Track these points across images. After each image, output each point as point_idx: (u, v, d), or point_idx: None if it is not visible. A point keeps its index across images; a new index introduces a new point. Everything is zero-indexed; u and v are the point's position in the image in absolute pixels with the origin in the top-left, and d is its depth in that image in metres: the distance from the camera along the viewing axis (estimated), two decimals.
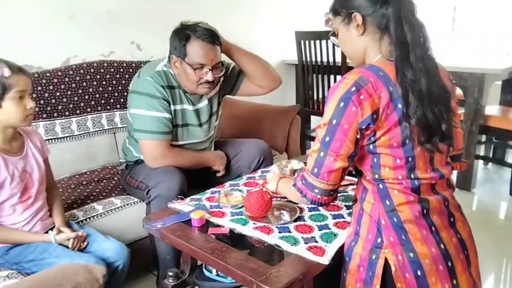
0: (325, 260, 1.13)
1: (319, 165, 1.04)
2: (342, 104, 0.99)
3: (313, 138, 3.58)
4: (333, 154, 1.02)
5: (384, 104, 0.98)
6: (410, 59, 0.99)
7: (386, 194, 1.05)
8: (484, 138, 3.16)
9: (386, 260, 1.03)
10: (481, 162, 3.33)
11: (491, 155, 3.42)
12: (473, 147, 2.95)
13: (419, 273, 1.02)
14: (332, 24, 1.16)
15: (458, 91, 3.00)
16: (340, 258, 1.16)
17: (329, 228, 1.29)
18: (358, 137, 1.00)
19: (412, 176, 1.03)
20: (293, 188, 1.14)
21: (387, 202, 1.05)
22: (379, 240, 1.05)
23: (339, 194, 1.52)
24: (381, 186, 1.05)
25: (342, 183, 1.58)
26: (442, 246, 1.03)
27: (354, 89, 0.98)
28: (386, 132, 1.00)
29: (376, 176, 1.05)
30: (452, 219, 1.08)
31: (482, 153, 3.29)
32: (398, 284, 1.03)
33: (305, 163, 1.85)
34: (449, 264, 1.04)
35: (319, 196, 1.08)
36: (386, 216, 1.04)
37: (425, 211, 1.04)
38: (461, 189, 3.02)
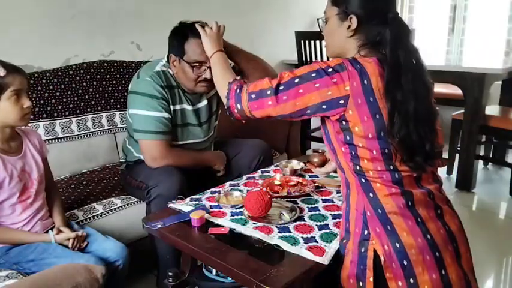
0: (325, 260, 1.13)
1: (259, 95, 1.13)
2: (313, 74, 1.06)
3: (313, 138, 3.59)
4: (274, 100, 1.10)
5: (355, 93, 1.02)
6: (401, 81, 1.03)
7: (368, 187, 1.07)
8: (484, 138, 3.16)
9: (375, 251, 1.05)
10: (481, 162, 3.33)
11: (491, 155, 3.42)
12: (473, 147, 2.95)
13: (405, 263, 1.03)
14: (326, 9, 1.18)
15: (458, 90, 3.00)
16: (340, 258, 1.16)
17: (329, 228, 1.29)
18: (308, 112, 1.08)
19: (391, 167, 1.05)
20: (227, 81, 1.23)
21: (371, 195, 1.07)
22: (365, 232, 1.07)
23: (338, 194, 1.53)
24: (363, 180, 1.08)
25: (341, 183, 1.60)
26: (428, 236, 1.05)
27: (330, 70, 1.04)
28: (359, 123, 1.03)
29: (358, 168, 1.08)
30: (439, 211, 1.09)
31: (482, 153, 3.29)
32: (387, 273, 1.04)
33: (305, 163, 1.86)
34: (437, 254, 1.04)
35: (236, 111, 1.19)
36: (371, 208, 1.07)
37: (409, 203, 1.06)
38: (461, 189, 3.02)
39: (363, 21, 1.09)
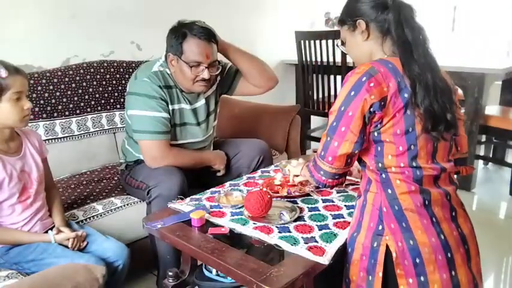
0: (325, 260, 1.13)
1: (326, 149, 1.12)
2: (352, 93, 1.06)
3: (313, 138, 3.59)
4: (337, 139, 1.09)
5: (392, 92, 1.04)
6: (414, 56, 1.07)
7: (388, 183, 1.09)
8: (484, 138, 3.16)
9: (387, 247, 1.06)
10: (481, 162, 3.33)
11: (491, 155, 3.42)
12: (473, 147, 2.95)
13: (417, 260, 1.04)
14: (341, 34, 1.25)
15: (458, 91, 3.00)
16: (340, 258, 1.16)
17: (329, 228, 1.29)
18: (366, 121, 1.06)
19: (414, 164, 1.07)
20: (306, 168, 1.24)
21: (389, 191, 1.08)
22: (380, 227, 1.08)
23: (338, 194, 1.53)
24: (383, 175, 1.09)
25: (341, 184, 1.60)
26: (442, 237, 1.06)
27: (364, 78, 1.05)
28: (391, 119, 1.05)
29: (380, 165, 1.09)
30: (454, 214, 1.11)
31: (482, 153, 3.29)
32: (398, 270, 1.06)
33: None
34: (449, 255, 1.06)
35: (323, 178, 1.16)
36: (388, 204, 1.08)
37: (426, 202, 1.07)
38: (461, 189, 2.99)
39: (370, 20, 1.13)
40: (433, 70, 1.08)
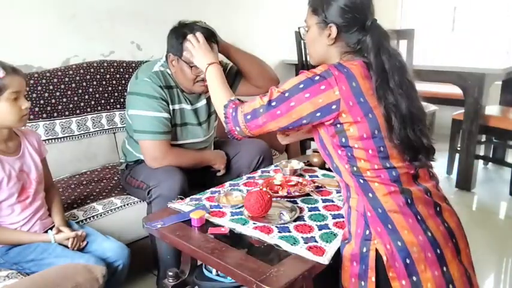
0: (325, 260, 1.13)
1: (253, 116, 1.17)
2: (301, 86, 1.08)
3: (313, 138, 3.58)
4: (268, 117, 1.13)
5: (345, 95, 1.05)
6: (390, 85, 1.06)
7: (367, 187, 1.08)
8: (484, 138, 3.16)
9: (377, 251, 1.06)
10: (481, 162, 3.33)
11: (491, 155, 3.42)
12: (473, 147, 2.95)
13: (408, 261, 1.04)
14: (306, 18, 1.22)
15: (458, 90, 3.00)
16: (340, 258, 1.16)
17: (329, 228, 1.29)
18: (304, 121, 1.10)
19: (388, 165, 1.07)
20: (222, 104, 1.26)
21: (370, 195, 1.08)
22: (367, 232, 1.08)
23: (338, 194, 1.53)
24: (361, 181, 1.09)
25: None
26: (429, 234, 1.05)
27: (317, 78, 1.07)
28: (353, 124, 1.06)
29: (355, 169, 1.09)
30: (438, 209, 1.10)
31: (482, 153, 3.29)
32: (390, 273, 1.05)
33: (305, 163, 1.85)
34: (438, 251, 1.05)
35: (236, 133, 1.22)
36: (371, 208, 1.08)
37: (409, 201, 1.07)
38: (461, 189, 3.02)
39: (342, 30, 1.12)
40: (409, 99, 1.07)
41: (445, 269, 1.05)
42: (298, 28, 1.29)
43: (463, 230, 1.14)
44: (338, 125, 1.08)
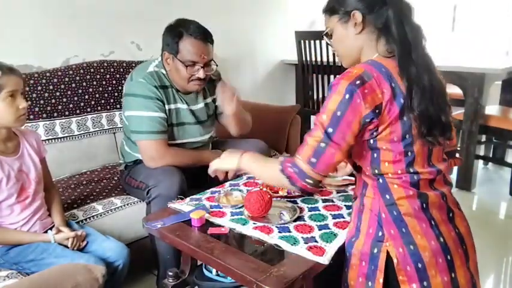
0: (325, 259, 1.13)
1: (318, 156, 1.03)
2: (347, 96, 0.99)
3: None
4: (335, 146, 1.01)
5: (387, 99, 1.00)
6: (412, 57, 1.03)
7: (386, 188, 1.06)
8: (484, 138, 3.16)
9: (388, 253, 1.05)
10: (481, 162, 3.33)
11: (491, 155, 3.42)
12: (473, 147, 2.95)
13: (419, 265, 1.03)
14: (326, 24, 1.17)
15: (458, 90, 3.00)
16: (340, 258, 1.16)
17: (329, 228, 1.29)
18: (361, 128, 1.02)
19: (411, 170, 1.05)
20: (278, 172, 1.09)
21: (387, 196, 1.06)
22: (380, 233, 1.06)
23: (338, 194, 1.53)
24: (380, 180, 1.07)
25: (341, 184, 1.60)
26: (441, 239, 1.05)
27: (358, 82, 0.99)
28: (387, 127, 1.02)
29: (376, 171, 1.07)
30: (451, 215, 1.10)
31: (482, 153, 3.29)
32: (400, 276, 1.04)
33: None
34: (449, 257, 1.05)
35: (310, 186, 1.07)
36: (387, 210, 1.06)
37: (424, 205, 1.06)
38: (461, 189, 3.01)
39: (366, 12, 1.07)
40: (430, 71, 1.05)
41: (453, 275, 1.05)
42: (322, 36, 1.21)
43: (471, 237, 1.14)
44: (375, 130, 1.03)
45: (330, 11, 1.14)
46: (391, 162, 1.04)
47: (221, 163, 1.36)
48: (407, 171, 1.05)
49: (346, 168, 1.47)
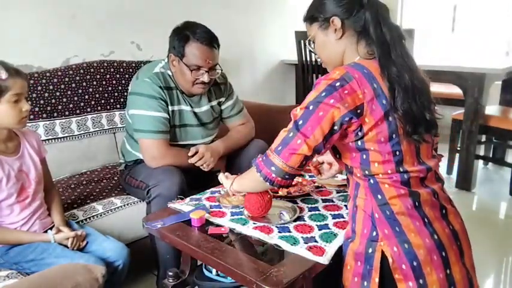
0: (325, 259, 1.13)
1: (284, 144, 1.07)
2: (323, 94, 1.03)
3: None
4: (301, 137, 1.04)
5: (368, 99, 1.02)
6: (392, 57, 1.05)
7: (377, 188, 1.07)
8: (484, 138, 3.16)
9: (383, 252, 1.05)
10: (481, 162, 3.33)
11: (491, 155, 3.42)
12: (473, 147, 2.95)
13: (415, 263, 1.04)
14: (308, 32, 1.20)
15: (458, 90, 3.00)
16: (340, 258, 1.16)
17: (329, 228, 1.29)
18: (336, 128, 1.03)
19: (401, 170, 1.06)
20: (254, 169, 1.15)
21: (379, 196, 1.07)
22: (374, 233, 1.07)
23: (338, 194, 1.53)
24: (371, 181, 1.08)
25: (341, 184, 1.60)
26: (435, 237, 1.05)
27: (338, 83, 1.02)
28: (373, 128, 1.03)
29: (366, 172, 1.08)
30: (444, 211, 1.10)
31: (482, 153, 3.29)
32: (396, 275, 1.05)
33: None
34: (443, 254, 1.05)
35: (274, 175, 1.10)
36: (379, 210, 1.07)
37: (417, 203, 1.06)
38: (461, 189, 3.02)
39: (345, 17, 1.10)
40: (411, 70, 1.06)
41: (448, 271, 1.05)
42: (306, 43, 1.25)
43: (466, 232, 1.14)
44: (359, 131, 1.04)
45: (310, 19, 1.18)
46: (381, 163, 1.05)
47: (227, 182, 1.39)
48: (397, 171, 1.05)
49: (332, 170, 1.45)
